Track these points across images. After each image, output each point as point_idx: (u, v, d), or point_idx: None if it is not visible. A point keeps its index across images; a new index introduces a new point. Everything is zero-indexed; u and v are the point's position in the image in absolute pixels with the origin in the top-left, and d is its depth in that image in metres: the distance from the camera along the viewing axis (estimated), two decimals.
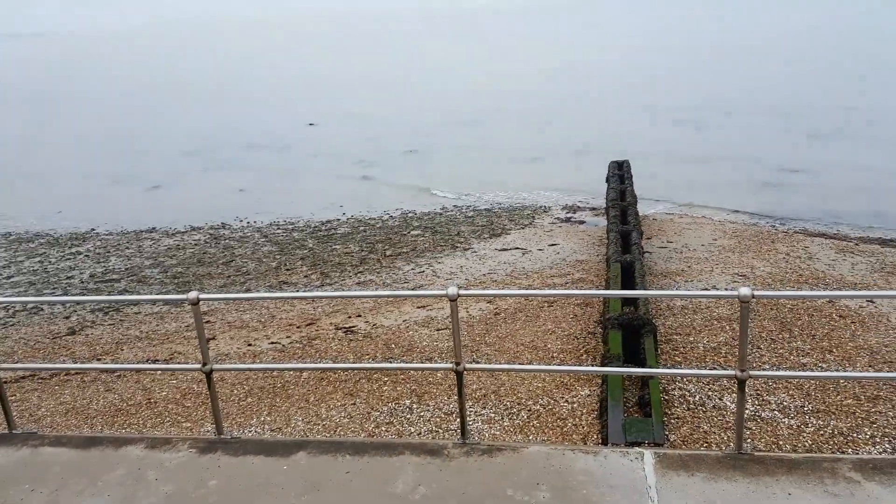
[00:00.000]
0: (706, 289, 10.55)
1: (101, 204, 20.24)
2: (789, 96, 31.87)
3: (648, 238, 13.24)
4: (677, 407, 6.79)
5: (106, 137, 32.87)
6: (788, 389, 6.95)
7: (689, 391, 7.07)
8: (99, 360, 9.32)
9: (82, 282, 13.30)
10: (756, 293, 3.74)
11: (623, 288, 9.34)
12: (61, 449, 4.66)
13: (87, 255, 15.13)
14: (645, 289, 9.33)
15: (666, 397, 6.90)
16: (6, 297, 12.44)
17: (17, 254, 15.56)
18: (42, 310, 11.54)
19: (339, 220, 17.03)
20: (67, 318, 11.19)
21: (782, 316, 8.83)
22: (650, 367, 6.85)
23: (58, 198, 21.35)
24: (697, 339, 8.41)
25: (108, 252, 15.29)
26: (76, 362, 9.18)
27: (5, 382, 5.23)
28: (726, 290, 10.35)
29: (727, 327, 8.68)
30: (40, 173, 25.83)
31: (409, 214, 17.12)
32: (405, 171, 22.65)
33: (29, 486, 4.24)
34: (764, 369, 7.41)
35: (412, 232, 15.42)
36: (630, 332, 7.64)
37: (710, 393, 7.01)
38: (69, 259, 14.94)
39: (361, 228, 16.00)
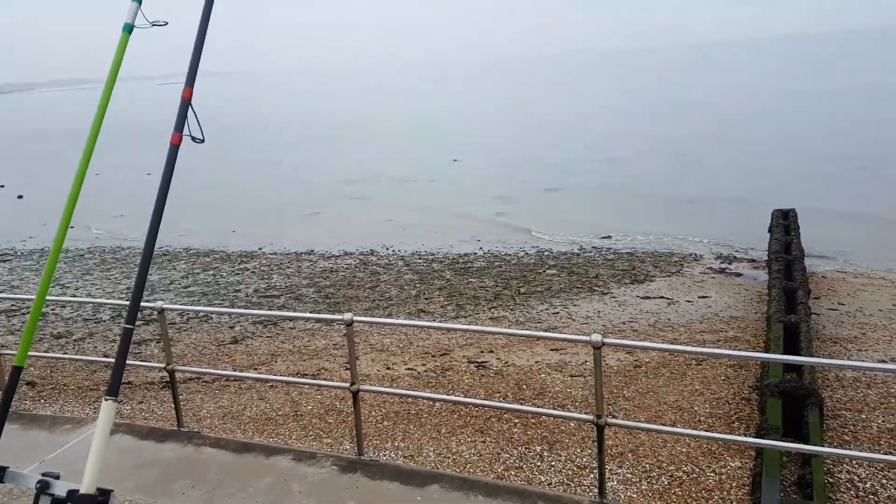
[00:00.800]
0: (883, 361, 9.37)
1: (268, 226, 22.19)
2: None
3: (816, 298, 12.01)
4: (844, 493, 6.02)
5: (283, 167, 36.28)
6: None
7: (858, 475, 6.26)
8: (255, 369, 10.10)
9: (247, 295, 14.58)
10: None
11: (786, 352, 8.51)
12: (219, 451, 5.08)
13: (253, 272, 16.60)
14: (812, 355, 8.45)
15: (830, 479, 6.15)
16: (182, 304, 13.91)
17: (195, 266, 17.42)
18: (211, 318, 12.78)
19: (475, 253, 17.28)
20: (232, 327, 12.29)
21: None
22: (814, 444, 6.17)
23: (233, 218, 23.75)
24: (871, 418, 7.45)
25: (272, 270, 16.67)
26: (236, 370, 10.03)
27: (177, 382, 5.83)
28: None
29: None
30: (224, 196, 28.95)
31: (546, 253, 16.96)
32: (543, 208, 22.58)
33: (190, 482, 4.66)
34: None
35: (548, 271, 15.23)
36: (791, 403, 6.93)
37: (884, 481, 6.16)
38: (238, 274, 16.47)
39: (497, 263, 16.10)
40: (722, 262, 15.39)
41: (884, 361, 9.35)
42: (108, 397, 2.52)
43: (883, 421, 7.41)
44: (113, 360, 2.63)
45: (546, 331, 11.23)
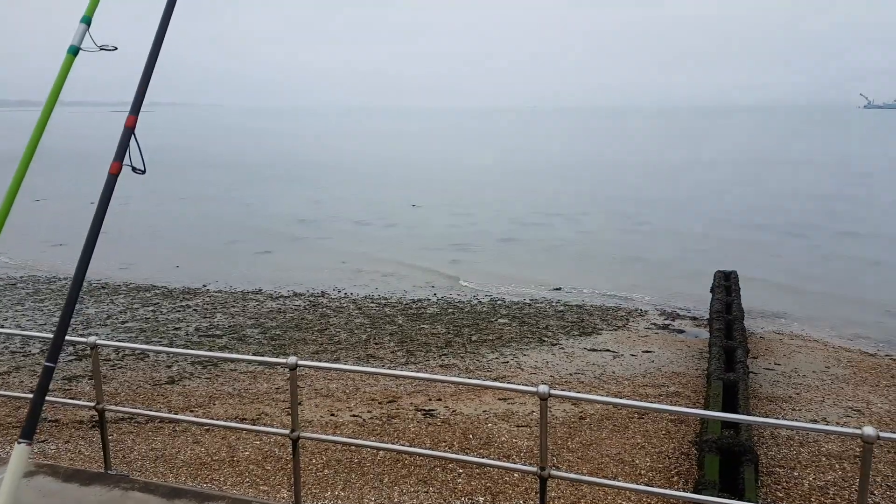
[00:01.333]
0: (815, 421, 9.72)
1: (215, 263, 21.68)
2: None
3: (754, 357, 12.43)
4: None
5: (240, 202, 35.75)
6: None
7: None
8: (192, 411, 9.71)
9: (188, 334, 14.11)
10: (882, 435, 3.37)
11: (725, 409, 8.74)
12: (149, 496, 4.82)
13: (195, 310, 16.11)
14: (749, 413, 8.70)
15: None
16: (118, 340, 13.35)
17: (134, 301, 16.81)
18: (148, 356, 12.29)
19: (429, 299, 17.27)
20: (169, 367, 11.83)
21: None
22: (749, 501, 6.30)
23: (179, 254, 23.14)
24: (803, 475, 7.73)
25: (216, 308, 16.22)
26: (172, 411, 9.61)
27: (107, 422, 5.55)
28: (838, 424, 9.48)
29: (836, 465, 7.93)
30: (172, 230, 28.24)
31: (498, 302, 17.11)
32: (496, 258, 22.89)
33: None
34: None
35: (499, 320, 15.36)
36: (728, 459, 7.11)
37: None
38: (179, 311, 15.95)
39: (450, 311, 16.12)
40: (665, 319, 15.80)
41: (815, 421, 9.69)
42: (21, 440, 2.35)
43: (814, 479, 7.65)
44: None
45: (495, 380, 11.24)
